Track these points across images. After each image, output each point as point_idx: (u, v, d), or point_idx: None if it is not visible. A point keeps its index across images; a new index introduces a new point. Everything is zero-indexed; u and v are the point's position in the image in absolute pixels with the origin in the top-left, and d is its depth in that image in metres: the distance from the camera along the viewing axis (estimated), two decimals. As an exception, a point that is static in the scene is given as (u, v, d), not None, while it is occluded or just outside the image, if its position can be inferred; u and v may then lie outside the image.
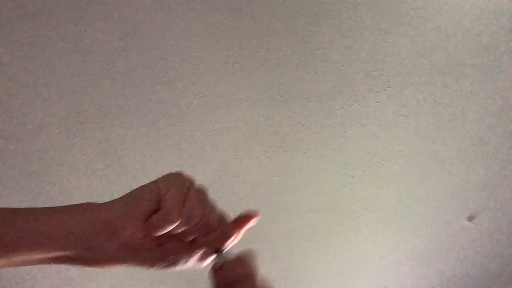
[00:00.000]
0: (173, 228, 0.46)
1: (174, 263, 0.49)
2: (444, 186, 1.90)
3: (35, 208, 0.47)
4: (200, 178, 1.76)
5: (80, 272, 2.09)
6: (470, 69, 1.52)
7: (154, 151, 1.63)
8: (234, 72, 1.46)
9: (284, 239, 2.08)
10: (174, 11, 1.31)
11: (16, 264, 0.45)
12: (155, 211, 0.47)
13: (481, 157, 1.80)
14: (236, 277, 0.49)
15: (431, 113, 1.63)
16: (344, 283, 2.40)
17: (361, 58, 1.46)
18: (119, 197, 0.48)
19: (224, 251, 0.50)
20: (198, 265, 0.51)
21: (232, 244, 0.51)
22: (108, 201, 0.48)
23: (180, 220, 0.46)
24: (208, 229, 0.49)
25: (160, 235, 0.47)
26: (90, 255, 0.46)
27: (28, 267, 2.03)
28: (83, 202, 0.49)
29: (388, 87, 1.54)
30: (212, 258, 0.51)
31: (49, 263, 0.46)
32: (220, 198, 1.84)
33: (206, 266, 0.52)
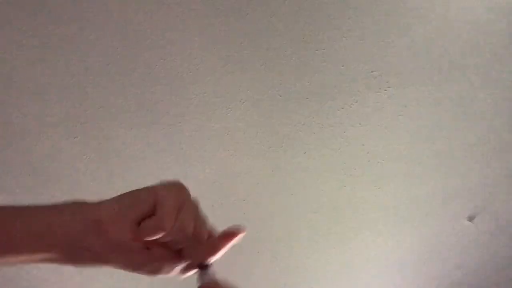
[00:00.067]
0: (163, 236, 0.46)
1: (157, 269, 0.50)
2: (444, 186, 1.90)
3: (23, 207, 0.46)
4: (200, 178, 1.76)
5: (81, 272, 2.09)
6: (470, 69, 1.51)
7: (154, 151, 1.63)
8: (234, 72, 1.46)
9: (284, 239, 2.08)
10: (174, 11, 1.31)
11: (1, 265, 0.45)
12: (149, 215, 0.47)
13: (481, 157, 1.80)
14: None
15: (431, 113, 1.63)
16: (344, 283, 2.40)
17: (361, 58, 1.46)
18: (113, 197, 0.48)
19: (209, 265, 0.50)
20: (179, 275, 0.51)
21: (216, 259, 0.51)
22: (100, 201, 0.48)
23: (172, 229, 0.46)
24: (196, 241, 0.49)
25: (149, 240, 0.47)
26: (76, 254, 0.46)
27: (28, 267, 2.03)
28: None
29: (388, 87, 1.54)
30: (194, 271, 0.51)
31: (36, 263, 0.46)
32: (220, 198, 1.84)
33: (186, 277, 0.52)
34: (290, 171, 1.78)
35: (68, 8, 1.28)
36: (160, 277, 0.51)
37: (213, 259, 0.50)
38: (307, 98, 1.55)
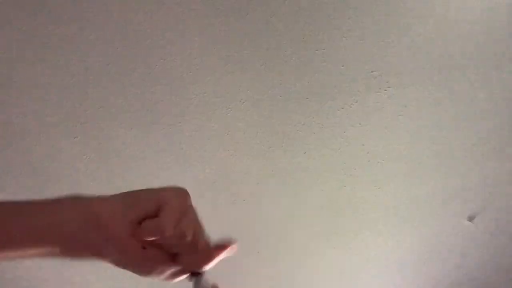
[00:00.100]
0: (161, 238, 0.47)
1: (149, 270, 0.50)
2: (444, 186, 1.90)
3: (23, 203, 0.47)
4: (200, 178, 1.76)
5: (81, 272, 2.09)
6: (470, 69, 1.51)
7: (154, 151, 1.63)
8: (234, 72, 1.46)
9: (284, 239, 2.08)
10: (174, 11, 1.31)
11: (0, 259, 0.46)
12: (151, 216, 0.47)
13: (481, 157, 1.80)
14: None
15: (431, 113, 1.63)
16: (344, 283, 2.40)
17: (361, 58, 1.46)
18: (118, 193, 0.49)
19: (201, 273, 0.52)
20: (169, 279, 0.52)
21: (209, 268, 0.52)
22: (102, 196, 0.49)
23: (172, 234, 0.47)
24: (193, 249, 0.50)
25: (147, 240, 0.47)
26: (75, 248, 0.47)
27: (28, 267, 2.03)
28: None
29: (388, 87, 1.54)
30: (184, 277, 0.52)
31: (34, 257, 0.47)
32: (220, 198, 1.84)
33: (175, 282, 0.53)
34: (290, 171, 1.78)
35: (68, 8, 1.28)
36: (150, 278, 0.51)
37: (206, 268, 0.51)
38: (307, 98, 1.55)
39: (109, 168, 1.67)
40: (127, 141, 1.59)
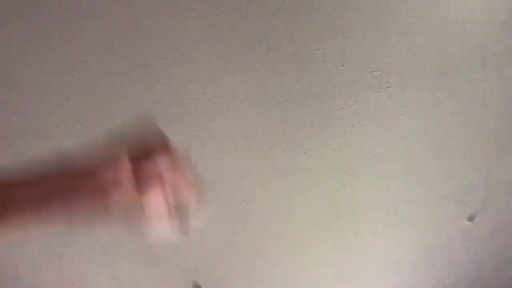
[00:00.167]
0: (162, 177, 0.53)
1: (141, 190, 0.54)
2: (444, 186, 1.90)
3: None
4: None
5: (81, 272, 2.09)
6: (470, 69, 1.51)
7: (154, 151, 1.63)
8: (234, 72, 1.46)
9: (284, 239, 2.08)
10: (174, 11, 1.31)
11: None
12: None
13: (481, 157, 1.80)
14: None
15: (431, 113, 1.63)
16: (344, 283, 2.40)
17: (361, 58, 1.46)
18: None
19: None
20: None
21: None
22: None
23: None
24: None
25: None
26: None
27: (28, 267, 2.03)
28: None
29: (388, 87, 1.54)
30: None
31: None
32: (220, 198, 1.84)
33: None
34: (290, 171, 1.78)
35: (68, 8, 1.28)
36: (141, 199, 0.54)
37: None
38: (307, 98, 1.55)
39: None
40: (127, 141, 1.59)
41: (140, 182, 0.53)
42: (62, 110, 1.50)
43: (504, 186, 1.93)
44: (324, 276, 2.32)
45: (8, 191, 0.50)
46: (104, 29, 1.33)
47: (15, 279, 2.06)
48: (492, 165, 1.83)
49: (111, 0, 1.28)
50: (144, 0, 1.29)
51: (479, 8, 1.37)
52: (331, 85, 1.52)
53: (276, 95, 1.54)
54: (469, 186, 1.91)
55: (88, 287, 2.17)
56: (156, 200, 0.54)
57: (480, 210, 2.03)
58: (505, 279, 2.42)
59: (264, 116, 1.59)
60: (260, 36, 1.38)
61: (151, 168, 0.54)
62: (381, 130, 1.67)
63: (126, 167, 0.52)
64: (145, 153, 0.54)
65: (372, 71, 1.49)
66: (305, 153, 1.72)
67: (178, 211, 0.55)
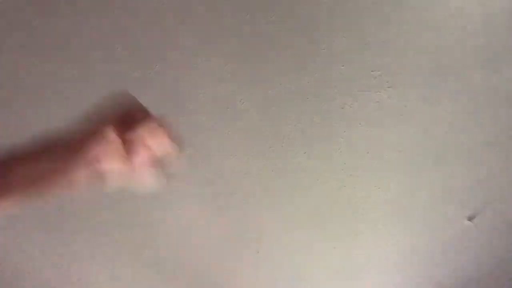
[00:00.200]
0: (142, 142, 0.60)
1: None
2: (444, 186, 1.90)
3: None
4: (200, 178, 1.76)
5: (81, 272, 2.09)
6: (470, 69, 1.51)
7: (154, 151, 1.63)
8: (234, 72, 1.47)
9: (284, 239, 2.08)
10: (174, 11, 1.32)
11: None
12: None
13: (481, 157, 1.80)
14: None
15: (431, 113, 1.63)
16: (344, 283, 2.40)
17: (361, 58, 1.46)
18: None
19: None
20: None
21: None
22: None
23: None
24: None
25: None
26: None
27: (28, 267, 2.03)
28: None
29: (388, 87, 1.54)
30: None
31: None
32: (220, 198, 1.84)
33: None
34: (290, 171, 1.78)
35: (68, 8, 1.28)
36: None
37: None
38: (307, 98, 1.55)
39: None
40: (127, 141, 1.59)
41: (127, 149, 0.59)
42: (62, 110, 1.50)
43: (504, 186, 1.93)
44: (324, 276, 2.32)
45: None
46: (104, 29, 1.33)
47: (15, 279, 2.06)
48: (492, 165, 1.83)
49: (111, 0, 1.28)
50: (144, 0, 1.29)
51: (479, 8, 1.37)
52: (331, 85, 1.52)
53: (276, 95, 1.54)
54: (469, 186, 1.91)
55: (88, 287, 2.17)
56: (141, 160, 0.60)
57: (480, 210, 2.03)
58: (505, 279, 2.42)
59: (264, 116, 1.59)
60: (260, 36, 1.38)
61: (135, 136, 0.60)
62: (381, 130, 1.67)
63: (113, 137, 0.58)
64: (128, 123, 0.61)
65: (372, 71, 1.49)
66: (305, 153, 1.72)
67: (160, 164, 0.62)
